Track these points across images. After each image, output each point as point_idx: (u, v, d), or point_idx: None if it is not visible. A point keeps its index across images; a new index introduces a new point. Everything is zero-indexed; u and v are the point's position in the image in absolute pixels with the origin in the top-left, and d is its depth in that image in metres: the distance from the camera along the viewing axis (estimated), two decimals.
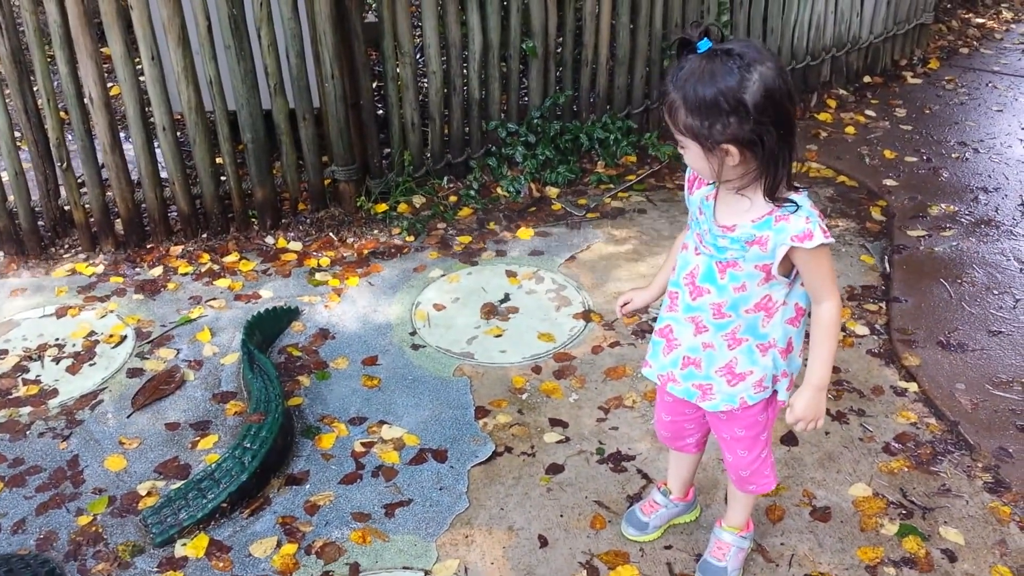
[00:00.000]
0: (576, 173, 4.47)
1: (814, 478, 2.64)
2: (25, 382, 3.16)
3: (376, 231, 4.06)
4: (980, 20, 6.71)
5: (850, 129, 4.97)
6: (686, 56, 1.70)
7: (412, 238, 4.00)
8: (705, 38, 1.67)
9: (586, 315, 3.43)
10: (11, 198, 3.84)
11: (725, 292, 1.90)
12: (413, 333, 3.37)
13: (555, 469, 2.72)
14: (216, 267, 3.81)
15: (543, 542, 2.47)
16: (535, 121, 4.44)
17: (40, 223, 3.96)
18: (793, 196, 1.78)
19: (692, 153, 1.76)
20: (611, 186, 4.40)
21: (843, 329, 3.29)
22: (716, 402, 2.04)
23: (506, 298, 3.56)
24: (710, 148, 1.71)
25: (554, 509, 2.58)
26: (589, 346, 3.26)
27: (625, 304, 2.23)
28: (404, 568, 2.40)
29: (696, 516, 2.52)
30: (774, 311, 1.92)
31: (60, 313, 3.52)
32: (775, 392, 2.04)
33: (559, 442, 2.82)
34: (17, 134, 3.80)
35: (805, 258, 1.80)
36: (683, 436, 2.28)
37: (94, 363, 3.24)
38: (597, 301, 3.51)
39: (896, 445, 2.76)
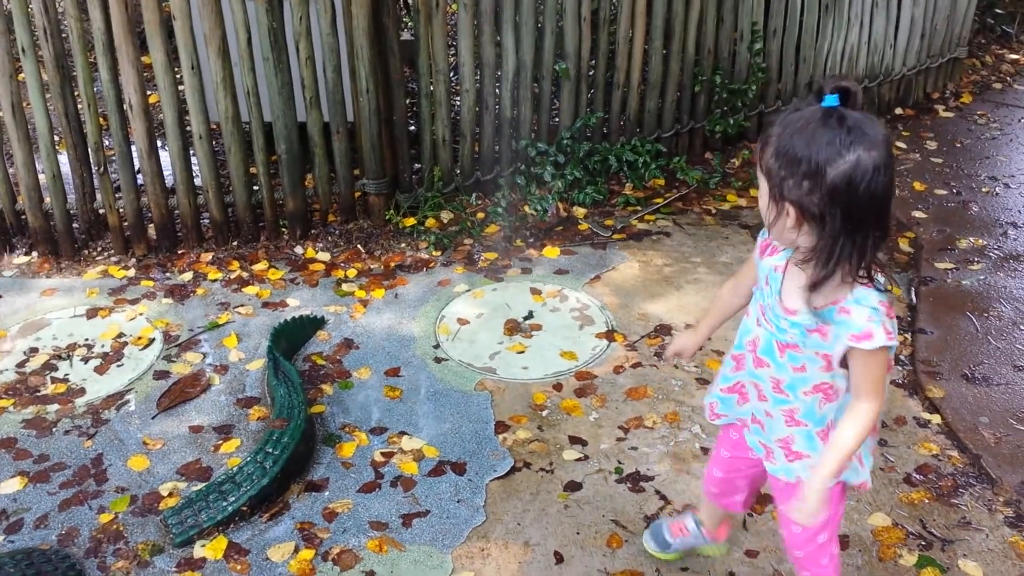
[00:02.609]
0: (604, 194, 4.50)
1: None
2: (53, 380, 3.21)
3: (403, 245, 4.10)
4: (1014, 56, 6.68)
5: None
6: (813, 102, 1.60)
7: (439, 253, 4.03)
8: (836, 95, 1.56)
9: (609, 335, 3.44)
10: (48, 200, 3.92)
11: (784, 370, 1.82)
12: (436, 346, 3.39)
13: (573, 486, 2.72)
14: (245, 274, 3.86)
15: (559, 559, 2.47)
16: (565, 142, 4.48)
17: (75, 225, 4.03)
18: (859, 289, 1.65)
19: (762, 193, 1.68)
20: (638, 208, 4.42)
21: None
22: (776, 467, 1.97)
23: (530, 315, 3.58)
24: (775, 198, 1.62)
25: (571, 526, 2.58)
26: (611, 366, 3.27)
27: (677, 354, 2.17)
28: None
29: (724, 552, 2.47)
30: (834, 397, 1.81)
31: (90, 314, 3.58)
32: (843, 482, 1.92)
33: (578, 460, 2.83)
34: (56, 138, 3.88)
35: (860, 358, 1.68)
36: (732, 493, 2.21)
37: (122, 364, 3.29)
38: (621, 321, 3.52)
39: (917, 476, 2.74)
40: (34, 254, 3.99)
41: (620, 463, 2.81)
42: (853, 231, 1.56)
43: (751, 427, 2.00)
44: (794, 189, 1.57)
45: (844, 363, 1.73)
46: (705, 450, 2.84)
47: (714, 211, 4.40)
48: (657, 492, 2.69)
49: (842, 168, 1.51)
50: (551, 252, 4.03)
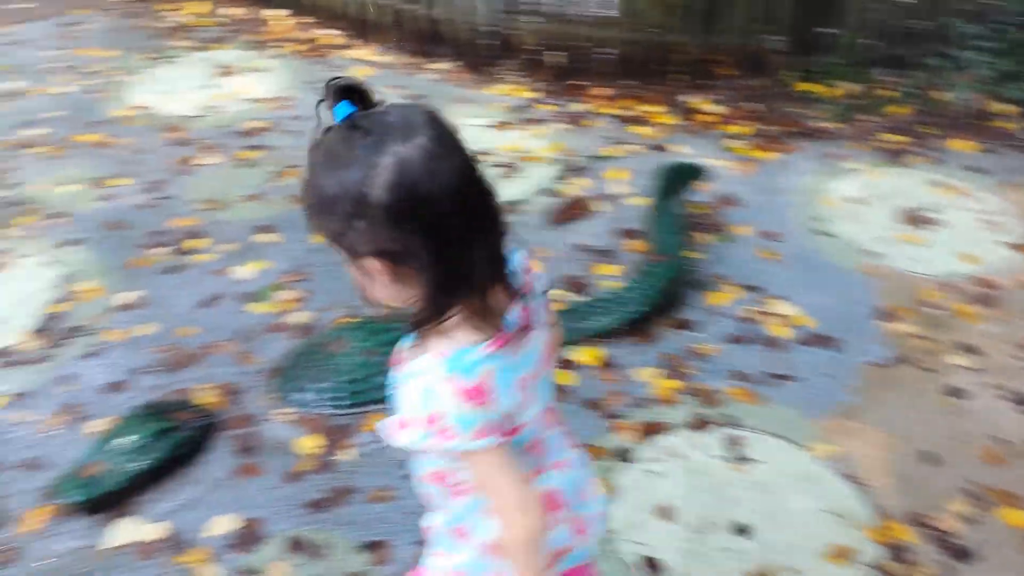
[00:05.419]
0: None
1: None
2: None
3: (799, 110, 3.91)
4: None
5: None
6: (336, 125, 1.14)
7: (836, 124, 3.81)
8: (344, 101, 1.12)
9: (1020, 247, 3.10)
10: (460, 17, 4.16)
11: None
12: (820, 220, 3.26)
13: (955, 392, 2.56)
14: (637, 113, 3.91)
15: (926, 457, 2.36)
16: (1005, 27, 3.96)
17: (485, 43, 4.27)
18: (424, 359, 1.19)
19: (346, 264, 1.21)
20: None
21: None
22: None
23: (927, 207, 3.31)
24: (350, 260, 1.18)
25: (944, 430, 2.44)
26: (1017, 279, 2.97)
27: None
28: (777, 436, 2.42)
29: None
30: (461, 491, 1.35)
31: (498, 127, 3.82)
32: None
33: (964, 368, 2.64)
34: None
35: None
36: None
37: (520, 177, 3.51)
38: None
39: None
40: (449, 63, 4.30)
41: (1011, 382, 2.58)
42: (446, 246, 1.13)
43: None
44: (359, 238, 1.13)
45: None
46: None
47: None
48: None
49: (381, 179, 1.08)
50: (963, 146, 3.66)
